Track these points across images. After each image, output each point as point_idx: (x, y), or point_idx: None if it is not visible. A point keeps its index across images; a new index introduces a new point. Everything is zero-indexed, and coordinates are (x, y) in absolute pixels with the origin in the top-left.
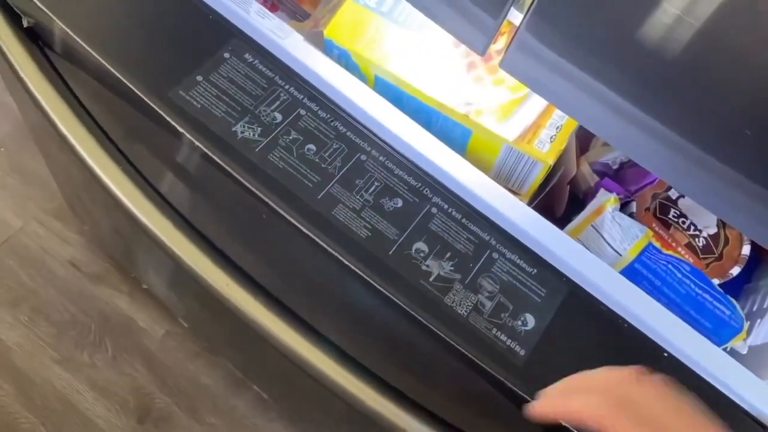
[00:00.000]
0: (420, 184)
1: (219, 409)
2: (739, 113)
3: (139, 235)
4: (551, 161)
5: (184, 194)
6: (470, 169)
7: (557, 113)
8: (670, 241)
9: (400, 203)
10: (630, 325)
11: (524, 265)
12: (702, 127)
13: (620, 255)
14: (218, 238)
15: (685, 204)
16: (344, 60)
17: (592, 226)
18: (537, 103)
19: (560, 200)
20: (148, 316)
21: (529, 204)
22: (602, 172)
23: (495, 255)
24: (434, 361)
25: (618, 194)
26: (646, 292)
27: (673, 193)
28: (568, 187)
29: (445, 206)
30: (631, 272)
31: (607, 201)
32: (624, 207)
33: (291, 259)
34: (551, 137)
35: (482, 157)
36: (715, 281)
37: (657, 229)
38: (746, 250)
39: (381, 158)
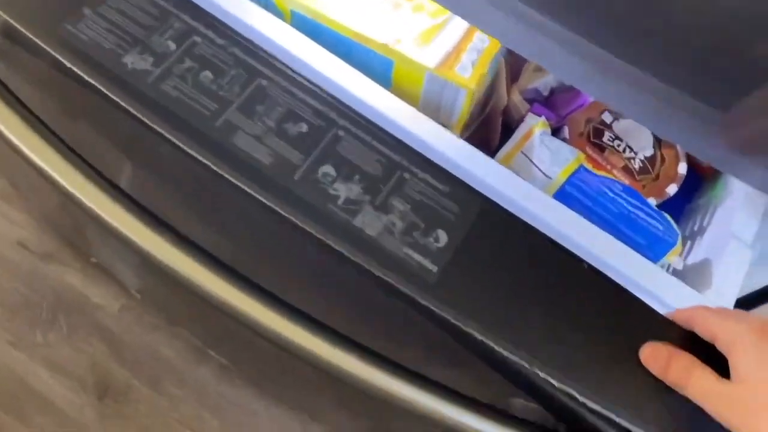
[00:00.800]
0: (326, 108)
1: (182, 380)
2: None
3: (62, 197)
4: (473, 86)
5: (84, 136)
6: (379, 90)
7: (478, 37)
8: (605, 164)
9: (305, 128)
10: (549, 239)
11: (437, 184)
12: (621, 34)
13: (550, 178)
14: (121, 177)
15: (620, 127)
16: None
17: (522, 152)
18: (457, 27)
19: (494, 131)
20: (102, 292)
21: (462, 136)
22: (533, 99)
23: (406, 175)
24: (347, 285)
25: (548, 119)
26: (580, 214)
27: (607, 117)
28: (501, 117)
29: (353, 129)
30: (562, 195)
31: (535, 125)
32: (556, 133)
33: (194, 193)
34: (473, 62)
35: (408, 90)
36: (653, 201)
37: (591, 153)
38: (682, 168)
39: (284, 83)
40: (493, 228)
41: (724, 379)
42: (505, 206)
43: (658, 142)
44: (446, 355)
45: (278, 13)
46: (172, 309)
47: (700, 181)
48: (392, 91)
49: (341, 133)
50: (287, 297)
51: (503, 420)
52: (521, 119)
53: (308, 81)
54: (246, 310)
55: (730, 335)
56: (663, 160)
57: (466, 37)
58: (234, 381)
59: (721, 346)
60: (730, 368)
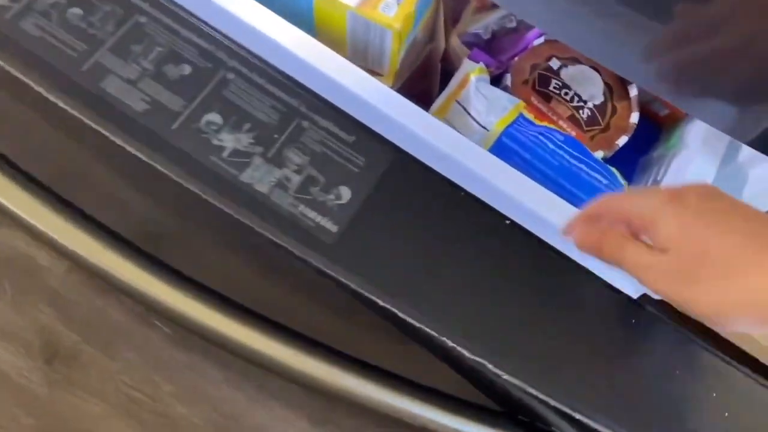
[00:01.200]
0: (213, 47)
1: (133, 343)
2: None
3: None
4: (398, 26)
5: None
6: (273, 19)
7: None
8: (550, 114)
9: (188, 70)
10: (467, 194)
11: (341, 133)
12: None
13: (487, 130)
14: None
15: (568, 74)
16: None
17: (457, 101)
18: None
19: (433, 81)
20: (49, 253)
21: (394, 85)
22: (473, 44)
23: (305, 123)
24: (238, 247)
25: (488, 65)
26: (516, 167)
27: (554, 63)
28: (440, 65)
29: (244, 70)
30: (499, 147)
31: (471, 71)
32: (498, 81)
33: (61, 147)
34: (397, 0)
35: (334, 34)
36: (601, 153)
37: (536, 102)
38: (634, 117)
39: (165, 20)
40: (405, 182)
41: (656, 251)
42: (424, 159)
43: (609, 91)
44: (358, 320)
45: None
46: None
47: (656, 133)
48: (317, 36)
49: (230, 75)
50: (173, 262)
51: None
52: (466, 59)
53: (192, 16)
54: (130, 283)
55: (646, 211)
56: (614, 110)
57: None
58: (187, 345)
59: (639, 227)
60: (653, 244)
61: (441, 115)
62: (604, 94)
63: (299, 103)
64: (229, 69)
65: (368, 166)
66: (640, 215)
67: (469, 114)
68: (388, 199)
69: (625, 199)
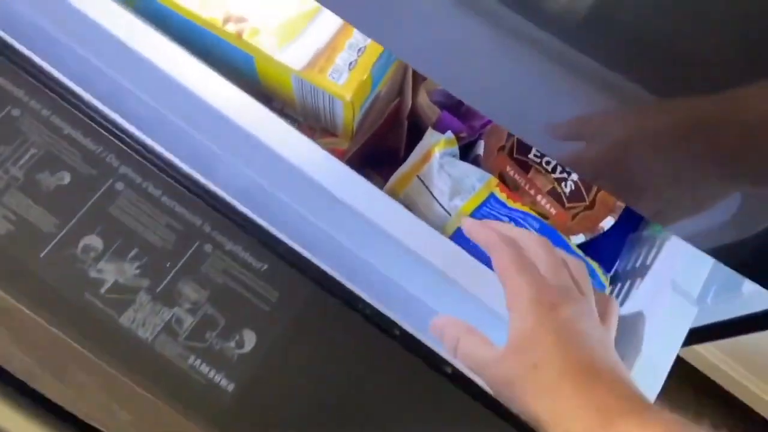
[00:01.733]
0: (101, 148)
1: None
2: None
3: None
4: (349, 96)
5: None
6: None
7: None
8: (527, 187)
9: (67, 179)
10: (404, 333)
11: (250, 260)
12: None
13: (449, 215)
14: None
15: None
16: None
17: (418, 177)
18: (331, 17)
19: (399, 136)
20: None
21: (353, 146)
22: (443, 103)
23: (208, 247)
24: (122, 399)
25: (458, 131)
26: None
27: None
28: (406, 122)
29: (137, 179)
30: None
31: (434, 144)
32: (470, 147)
33: None
34: (350, 63)
35: (279, 90)
36: (581, 237)
37: (512, 173)
38: None
39: (45, 112)
40: (325, 324)
41: (492, 346)
42: (347, 281)
43: None
44: None
45: None
46: None
47: None
48: (263, 89)
49: (119, 185)
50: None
51: None
52: (431, 126)
53: (80, 106)
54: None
55: (513, 293)
56: None
57: (344, 31)
58: None
59: (505, 298)
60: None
61: (400, 189)
62: None
63: (202, 221)
64: (119, 177)
65: (281, 303)
66: (508, 293)
67: (431, 193)
68: (303, 345)
69: (512, 266)
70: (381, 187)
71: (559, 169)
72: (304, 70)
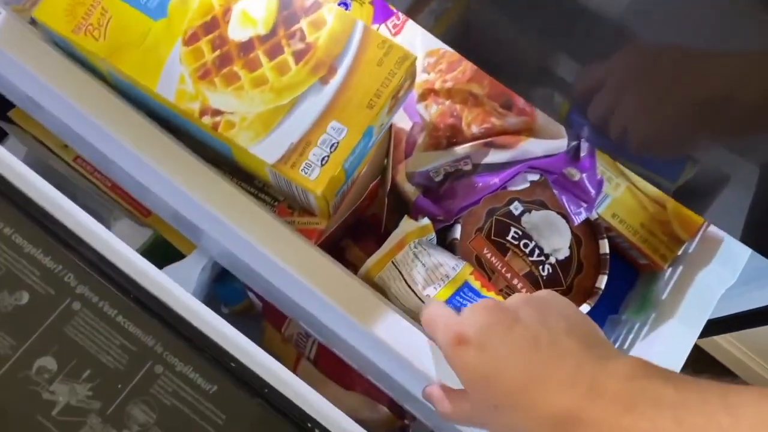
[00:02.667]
0: (60, 267)
1: None
2: None
3: None
4: (320, 191)
5: None
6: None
7: (333, 127)
8: (504, 270)
9: (25, 298)
10: None
11: (199, 381)
12: None
13: (423, 302)
14: None
15: (530, 221)
16: (69, 50)
17: (393, 262)
18: (307, 113)
19: (378, 212)
20: None
21: (332, 224)
22: (423, 185)
23: (158, 368)
24: None
25: (434, 216)
26: None
27: (515, 208)
28: (386, 200)
29: (94, 298)
30: None
31: (410, 232)
32: (447, 230)
33: None
34: (323, 159)
35: (257, 174)
36: None
37: (489, 255)
38: (601, 281)
39: (6, 230)
40: None
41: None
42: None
43: (577, 244)
44: None
45: (97, 72)
46: None
47: (627, 290)
48: (243, 168)
49: (76, 305)
50: None
51: None
52: (412, 207)
53: (42, 222)
54: None
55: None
56: (580, 268)
57: (318, 126)
58: None
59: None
60: None
61: (375, 272)
62: (571, 246)
63: (155, 342)
64: (76, 297)
65: (227, 425)
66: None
67: (405, 281)
68: None
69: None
70: (359, 259)
71: (536, 252)
72: (277, 165)
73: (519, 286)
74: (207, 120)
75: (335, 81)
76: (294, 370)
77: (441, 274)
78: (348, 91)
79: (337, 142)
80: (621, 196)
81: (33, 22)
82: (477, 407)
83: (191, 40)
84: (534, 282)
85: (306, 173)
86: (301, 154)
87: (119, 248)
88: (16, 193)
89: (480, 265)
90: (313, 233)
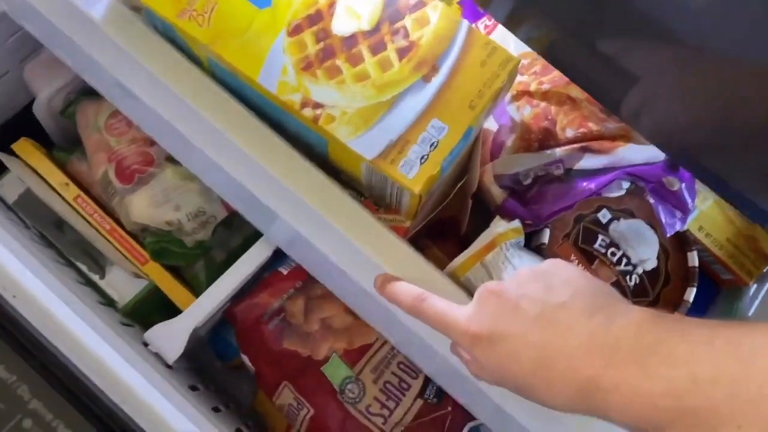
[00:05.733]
0: (15, 378)
1: None
2: None
3: None
4: (417, 190)
5: None
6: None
7: (434, 126)
8: None
9: None
10: None
11: None
12: None
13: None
14: None
15: (618, 230)
16: (170, 35)
17: (482, 264)
18: (408, 110)
19: (461, 216)
20: None
21: (416, 225)
22: (510, 188)
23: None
24: None
25: (523, 219)
26: None
27: (603, 216)
28: (471, 201)
29: (49, 416)
30: None
31: (500, 234)
32: (535, 234)
33: None
34: (422, 157)
35: (349, 170)
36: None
37: (576, 262)
38: (690, 294)
39: None
40: None
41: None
42: None
43: (665, 255)
44: None
45: (196, 58)
46: None
47: (711, 295)
48: (332, 163)
49: (27, 423)
50: None
51: None
52: (497, 209)
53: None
54: None
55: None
56: (667, 279)
57: (419, 124)
58: None
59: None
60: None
61: (461, 273)
62: (659, 257)
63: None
64: (28, 413)
65: None
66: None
67: None
68: None
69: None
70: (437, 259)
71: (624, 261)
72: (375, 161)
73: None
74: (308, 112)
75: (438, 79)
76: None
77: None
78: (450, 90)
79: (437, 141)
80: (708, 209)
81: (135, 8)
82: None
83: (295, 31)
84: (621, 292)
85: (404, 171)
86: (401, 152)
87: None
88: None
89: None
90: (397, 231)
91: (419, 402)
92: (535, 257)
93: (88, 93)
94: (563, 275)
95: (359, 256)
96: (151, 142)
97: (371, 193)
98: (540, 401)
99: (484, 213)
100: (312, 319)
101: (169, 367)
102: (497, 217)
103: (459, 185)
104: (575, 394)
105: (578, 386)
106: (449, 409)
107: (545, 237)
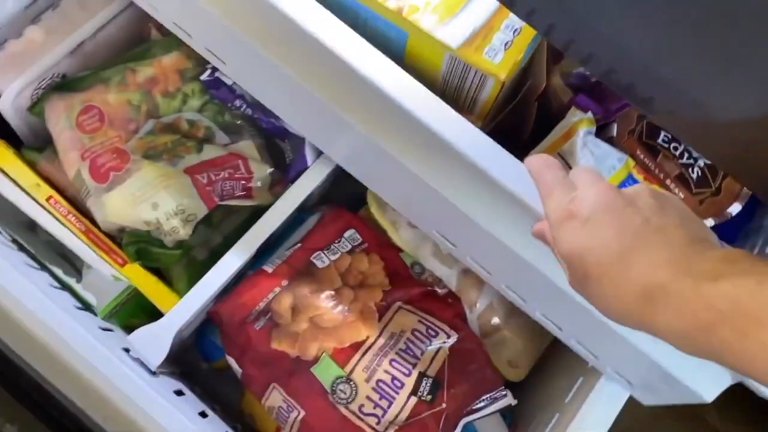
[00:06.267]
0: None
1: None
2: None
3: None
4: (503, 76)
5: None
6: None
7: None
8: (657, 171)
9: None
10: None
11: None
12: None
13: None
14: None
15: None
16: None
17: (559, 153)
18: None
19: (526, 120)
20: None
21: (484, 127)
22: (578, 86)
23: None
24: None
25: (594, 113)
26: None
27: None
28: (536, 103)
29: None
30: None
31: (578, 122)
32: (602, 129)
33: None
34: (506, 43)
35: (425, 68)
36: (710, 221)
37: (642, 156)
38: None
39: None
40: None
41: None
42: None
43: None
44: None
45: None
46: None
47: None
48: (404, 67)
49: None
50: None
51: None
52: (562, 108)
53: None
54: None
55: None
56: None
57: (502, 10)
58: None
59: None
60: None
61: None
62: None
63: None
64: None
65: None
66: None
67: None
68: None
69: (544, 193)
70: None
71: (686, 155)
72: (461, 48)
73: (672, 186)
74: (392, 4)
75: None
76: None
77: (608, 165)
78: None
79: (521, 27)
80: None
81: None
82: (566, 268)
83: None
84: (685, 183)
85: (490, 57)
86: (485, 38)
87: None
88: None
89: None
90: None
91: (413, 400)
92: (609, 146)
93: (57, 88)
94: (680, 206)
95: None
96: (126, 139)
97: (444, 96)
98: (599, 296)
99: (541, 122)
100: (300, 319)
101: (152, 372)
102: (572, 108)
103: (523, 89)
104: (638, 297)
105: (645, 286)
106: (444, 405)
107: (613, 131)
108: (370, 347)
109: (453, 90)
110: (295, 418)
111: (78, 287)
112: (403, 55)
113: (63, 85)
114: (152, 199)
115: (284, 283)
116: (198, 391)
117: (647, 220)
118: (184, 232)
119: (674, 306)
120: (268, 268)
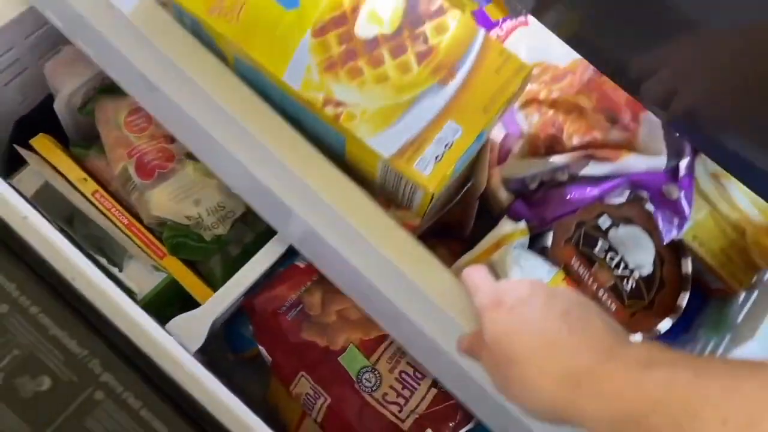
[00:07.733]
0: (86, 352)
1: None
2: None
3: None
4: (432, 188)
5: None
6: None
7: (450, 127)
8: (590, 281)
9: (47, 384)
10: None
11: None
12: None
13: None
14: None
15: (617, 236)
16: (196, 31)
17: (488, 262)
18: (425, 111)
19: (466, 218)
20: None
21: (423, 223)
22: (516, 191)
23: None
24: None
25: (528, 220)
26: None
27: (603, 222)
28: (477, 203)
29: (119, 388)
30: None
31: (508, 234)
32: (538, 238)
33: None
34: (437, 156)
35: (363, 168)
36: (638, 336)
37: (577, 265)
38: (683, 299)
39: (33, 309)
40: None
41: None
42: None
43: (660, 262)
44: None
45: (221, 55)
46: None
47: (700, 308)
48: (346, 163)
49: (99, 395)
50: None
51: None
52: (502, 212)
53: (70, 302)
54: None
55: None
56: (662, 285)
57: (435, 125)
58: None
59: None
60: None
61: None
62: (655, 263)
63: None
64: (100, 385)
65: None
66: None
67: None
68: None
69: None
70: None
71: (622, 266)
72: (393, 158)
73: (604, 297)
74: (329, 110)
75: (454, 83)
76: (297, 427)
77: (537, 277)
78: (466, 93)
79: (452, 142)
80: (702, 219)
81: (162, 3)
82: (490, 360)
83: (320, 32)
84: (618, 295)
85: (420, 168)
86: (417, 150)
87: (151, 334)
88: (46, 270)
89: (567, 275)
90: (406, 228)
91: (433, 391)
92: (539, 258)
93: (106, 90)
94: (597, 308)
95: (370, 250)
96: (171, 139)
97: (383, 194)
98: (522, 381)
99: (485, 218)
100: (329, 311)
101: None
102: (505, 217)
103: (465, 188)
104: (563, 381)
105: (573, 371)
106: None
107: (548, 240)
108: (394, 340)
109: (390, 187)
110: (322, 404)
111: (121, 276)
112: (343, 153)
113: (113, 87)
114: (195, 195)
115: (315, 277)
116: (223, 382)
117: (568, 311)
118: (222, 228)
119: (603, 391)
120: (300, 264)
